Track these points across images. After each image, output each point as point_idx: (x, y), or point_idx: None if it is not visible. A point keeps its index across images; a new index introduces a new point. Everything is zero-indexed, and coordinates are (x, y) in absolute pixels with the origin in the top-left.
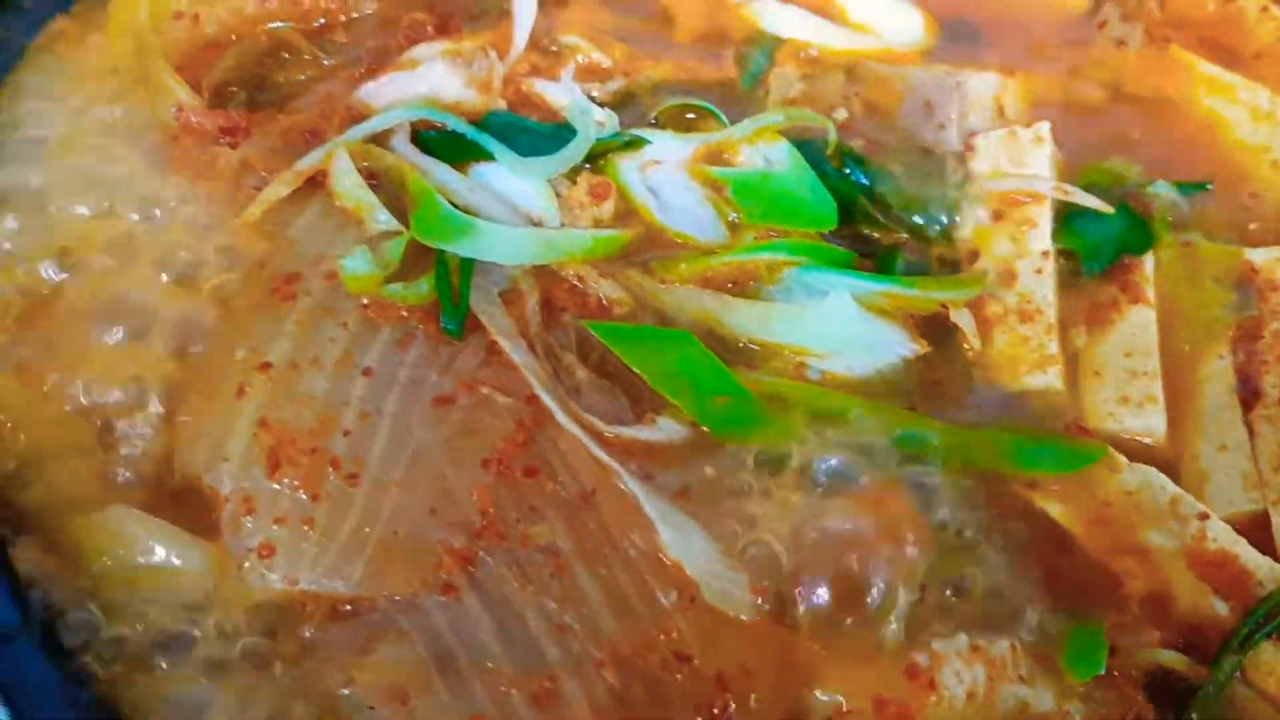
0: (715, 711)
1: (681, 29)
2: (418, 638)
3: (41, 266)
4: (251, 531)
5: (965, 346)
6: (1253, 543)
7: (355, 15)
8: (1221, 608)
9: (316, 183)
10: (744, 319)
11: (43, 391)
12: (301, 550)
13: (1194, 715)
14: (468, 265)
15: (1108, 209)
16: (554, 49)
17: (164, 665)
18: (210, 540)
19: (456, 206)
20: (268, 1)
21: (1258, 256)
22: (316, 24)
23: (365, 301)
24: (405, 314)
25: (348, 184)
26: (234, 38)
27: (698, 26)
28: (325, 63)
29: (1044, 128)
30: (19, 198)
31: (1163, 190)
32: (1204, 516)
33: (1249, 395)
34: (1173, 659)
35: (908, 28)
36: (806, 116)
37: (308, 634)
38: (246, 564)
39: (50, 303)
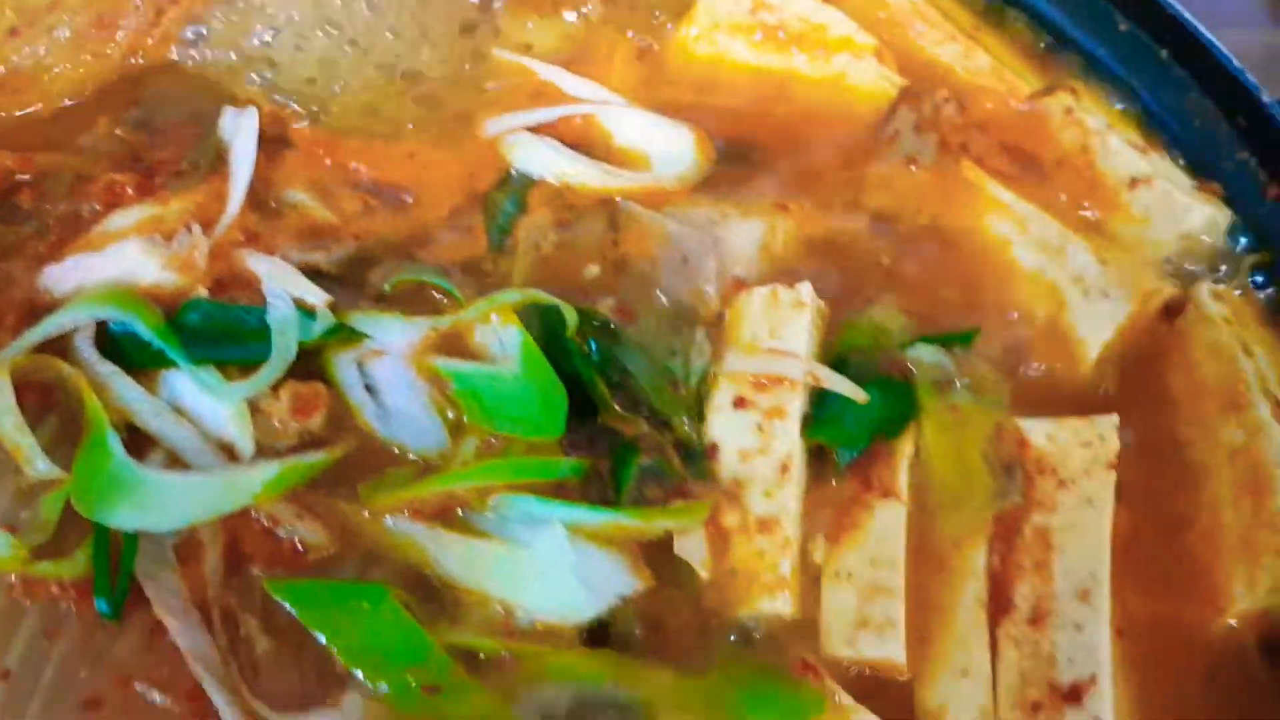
0: None
1: (430, 173)
2: None
3: None
4: None
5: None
6: None
7: (43, 173)
8: None
9: None
10: (452, 560)
11: None
12: None
13: None
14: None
15: (862, 397)
16: (274, 205)
17: None
18: None
19: (140, 432)
20: None
21: (1031, 429)
22: None
23: (14, 579)
24: (57, 590)
25: (6, 424)
26: None
27: (449, 171)
28: (4, 237)
29: (805, 290)
30: None
31: (924, 354)
32: None
33: (998, 607)
34: None
35: (677, 153)
36: (538, 298)
37: None
38: None
39: None
